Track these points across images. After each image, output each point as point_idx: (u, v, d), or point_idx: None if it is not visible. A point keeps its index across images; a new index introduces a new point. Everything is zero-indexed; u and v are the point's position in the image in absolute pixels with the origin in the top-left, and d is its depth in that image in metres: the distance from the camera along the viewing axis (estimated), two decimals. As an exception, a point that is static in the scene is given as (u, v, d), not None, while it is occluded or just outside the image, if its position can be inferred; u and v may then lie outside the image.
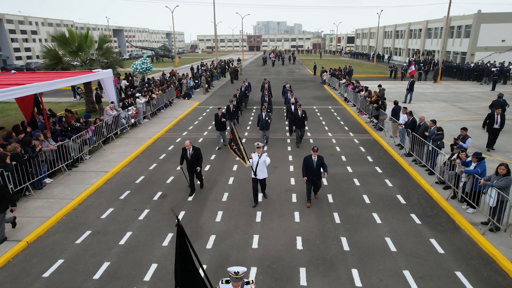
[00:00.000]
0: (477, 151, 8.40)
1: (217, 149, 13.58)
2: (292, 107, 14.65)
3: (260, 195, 9.46)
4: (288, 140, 14.85)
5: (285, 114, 19.64)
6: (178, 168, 9.99)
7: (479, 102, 22.61)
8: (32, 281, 6.29)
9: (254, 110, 21.08)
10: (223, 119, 13.43)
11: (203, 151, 13.35)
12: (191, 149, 9.27)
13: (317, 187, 9.06)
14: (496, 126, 12.75)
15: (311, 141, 14.62)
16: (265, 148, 13.30)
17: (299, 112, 13.37)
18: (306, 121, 13.48)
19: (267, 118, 13.26)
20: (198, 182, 10.17)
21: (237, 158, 9.43)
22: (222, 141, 13.75)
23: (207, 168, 11.76)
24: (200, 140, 14.98)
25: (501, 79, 31.15)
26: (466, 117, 18.55)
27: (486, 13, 42.80)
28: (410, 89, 22.68)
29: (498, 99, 15.49)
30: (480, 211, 8.16)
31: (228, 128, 13.66)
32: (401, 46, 65.10)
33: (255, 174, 8.69)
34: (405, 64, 40.08)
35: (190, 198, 9.55)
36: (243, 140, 14.94)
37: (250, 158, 8.61)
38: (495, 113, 12.69)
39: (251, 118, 19.16)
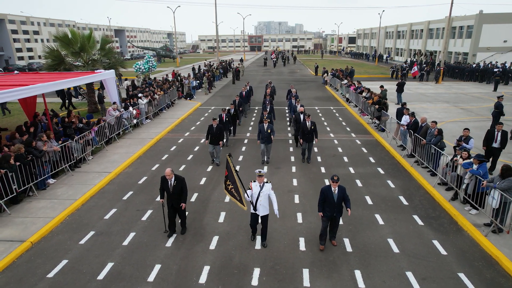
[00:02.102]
0: (479, 154, 8.40)
1: (212, 163, 12.15)
2: (301, 116, 12.92)
3: (258, 239, 7.61)
4: (290, 141, 14.86)
5: (287, 118, 19.64)
6: (158, 199, 7.99)
7: (480, 103, 22.60)
8: (37, 281, 6.33)
9: (256, 111, 21.09)
10: (218, 132, 11.70)
11: (205, 152, 13.40)
12: (173, 179, 7.39)
13: (335, 227, 7.28)
14: (495, 145, 10.75)
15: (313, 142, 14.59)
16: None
17: (307, 124, 11.69)
18: (316, 138, 11.84)
19: (269, 130, 11.59)
20: (180, 222, 7.96)
21: (233, 200, 7.31)
22: (216, 156, 12.08)
23: (209, 169, 11.78)
24: (202, 140, 15.00)
25: (503, 80, 31.13)
26: (468, 118, 18.54)
27: (488, 13, 42.78)
28: (398, 91, 22.84)
29: (498, 100, 15.50)
30: (483, 212, 8.17)
31: (222, 145, 11.99)
32: (403, 47, 65.05)
33: (254, 208, 7.10)
34: (405, 65, 40.02)
35: (169, 243, 7.46)
36: (245, 141, 14.98)
37: (249, 189, 7.11)
38: (496, 130, 10.75)
39: (253, 119, 19.19)
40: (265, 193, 7.02)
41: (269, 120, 12.16)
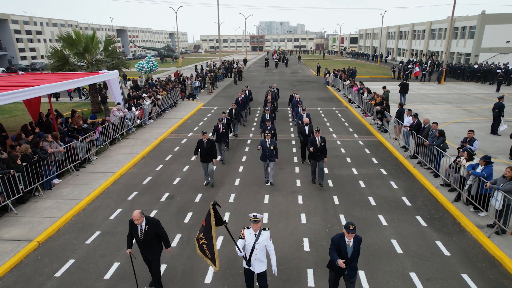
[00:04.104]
0: (486, 155, 8.42)
1: (205, 185, 10.59)
2: (307, 128, 11.64)
3: None
4: (293, 142, 14.91)
5: (289, 119, 19.66)
6: (127, 252, 5.83)
7: (483, 104, 22.59)
8: (45, 281, 6.42)
9: (258, 111, 21.14)
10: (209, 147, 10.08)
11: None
12: (143, 224, 5.67)
13: (350, 285, 5.50)
14: None
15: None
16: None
17: (317, 140, 9.95)
18: (325, 157, 10.15)
19: (272, 147, 10.03)
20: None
21: (201, 256, 5.69)
22: (209, 176, 10.50)
23: (213, 169, 11.82)
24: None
25: (506, 81, 31.10)
26: (470, 119, 18.55)
27: (490, 14, 42.73)
28: (401, 92, 23.01)
29: (499, 100, 15.51)
30: (486, 214, 8.21)
31: (218, 158, 10.56)
32: (405, 47, 65.03)
33: (248, 263, 5.49)
34: (409, 66, 39.98)
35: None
36: (248, 142, 15.03)
37: (241, 238, 5.46)
38: None
39: (255, 119, 19.24)
40: (261, 244, 5.39)
41: (273, 132, 10.84)
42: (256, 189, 10.26)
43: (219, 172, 11.60)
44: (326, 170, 11.55)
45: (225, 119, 13.20)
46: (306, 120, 12.05)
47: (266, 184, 10.58)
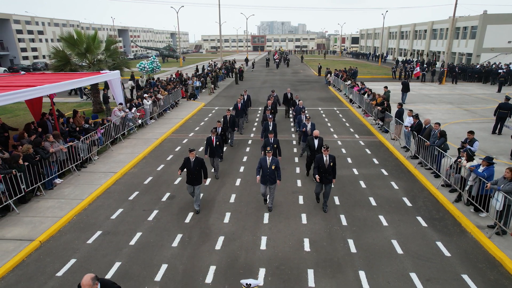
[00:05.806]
0: (488, 156, 8.41)
1: (196, 213, 8.89)
2: (316, 142, 10.13)
3: None
4: (294, 142, 14.92)
5: (290, 119, 19.66)
6: None
7: (484, 104, 22.56)
8: (47, 280, 6.45)
9: (259, 112, 21.15)
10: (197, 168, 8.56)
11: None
12: None
13: None
14: None
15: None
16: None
17: (324, 159, 8.48)
18: (334, 178, 8.71)
19: (273, 167, 8.45)
20: None
21: None
22: (196, 200, 8.86)
23: (212, 169, 11.84)
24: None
25: (507, 81, 31.03)
26: (472, 119, 18.53)
27: (492, 14, 42.65)
28: (403, 90, 23.41)
29: (505, 101, 15.45)
30: (487, 214, 8.21)
31: (208, 182, 9.22)
32: (406, 47, 64.96)
33: None
34: (408, 65, 39.94)
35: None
36: (249, 142, 15.04)
37: None
38: None
39: (256, 119, 19.25)
40: None
41: (275, 146, 10.11)
42: (257, 189, 10.27)
43: (220, 172, 11.59)
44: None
45: (220, 128, 11.89)
46: (316, 132, 10.43)
47: (266, 204, 9.17)
